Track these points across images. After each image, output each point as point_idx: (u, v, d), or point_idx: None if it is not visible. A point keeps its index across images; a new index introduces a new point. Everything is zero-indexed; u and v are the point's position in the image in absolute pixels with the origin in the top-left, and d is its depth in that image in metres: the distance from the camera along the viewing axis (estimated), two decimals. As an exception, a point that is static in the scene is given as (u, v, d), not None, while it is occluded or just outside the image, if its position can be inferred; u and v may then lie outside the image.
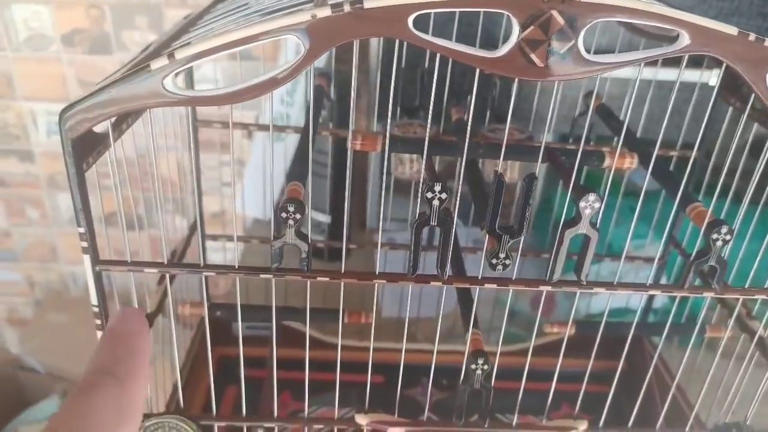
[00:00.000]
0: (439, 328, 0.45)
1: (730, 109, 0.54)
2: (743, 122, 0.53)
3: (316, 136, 0.73)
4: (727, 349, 0.53)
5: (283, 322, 0.61)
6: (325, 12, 0.31)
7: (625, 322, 0.45)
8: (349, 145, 0.40)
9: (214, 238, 0.65)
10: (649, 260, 0.69)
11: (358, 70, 0.37)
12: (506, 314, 0.42)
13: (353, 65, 0.36)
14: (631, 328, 0.46)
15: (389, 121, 0.36)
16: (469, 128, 0.37)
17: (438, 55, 0.33)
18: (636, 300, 0.84)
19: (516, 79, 0.33)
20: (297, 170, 0.40)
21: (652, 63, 0.37)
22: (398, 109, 0.60)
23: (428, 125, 0.36)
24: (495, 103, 0.61)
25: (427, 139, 0.37)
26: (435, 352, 0.46)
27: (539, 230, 0.96)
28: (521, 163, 0.55)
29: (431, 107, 0.35)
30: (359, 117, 0.91)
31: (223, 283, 1.13)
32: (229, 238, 0.64)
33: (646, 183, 0.43)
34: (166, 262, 0.38)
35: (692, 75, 0.69)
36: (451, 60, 0.32)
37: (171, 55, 0.32)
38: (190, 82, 0.57)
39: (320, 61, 0.90)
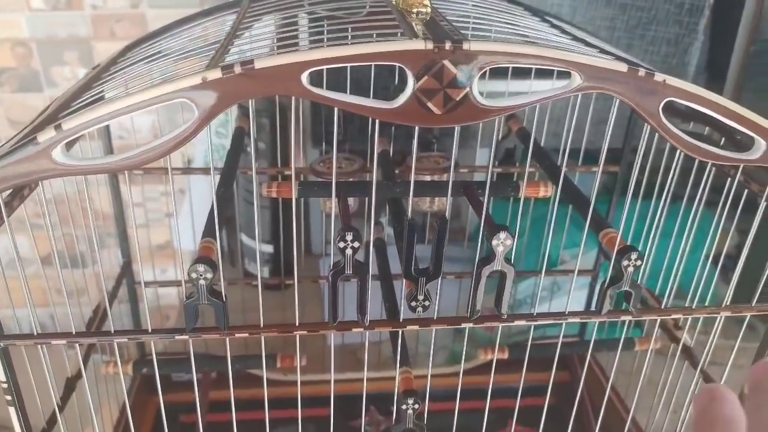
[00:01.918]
0: (366, 362, 0.44)
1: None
2: (657, 137, 0.54)
3: (246, 174, 0.72)
4: (663, 353, 0.54)
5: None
6: (215, 74, 0.30)
7: (556, 340, 0.46)
8: (258, 192, 0.39)
9: (145, 284, 0.63)
10: (584, 272, 0.70)
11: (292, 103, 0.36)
12: (431, 352, 0.42)
13: (290, 116, 0.36)
14: (564, 348, 0.47)
15: (293, 173, 0.35)
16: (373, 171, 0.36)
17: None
18: (575, 304, 0.86)
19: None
20: (211, 225, 0.39)
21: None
22: (323, 143, 0.60)
23: (334, 174, 0.36)
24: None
25: (334, 187, 0.36)
26: (365, 382, 0.45)
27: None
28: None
29: (335, 159, 0.35)
30: (297, 150, 0.90)
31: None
32: (161, 284, 0.62)
33: (554, 204, 0.43)
34: (74, 333, 0.37)
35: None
36: (371, 93, 0.32)
37: (58, 127, 0.31)
38: (107, 138, 0.56)
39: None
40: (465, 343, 0.43)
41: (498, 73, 0.43)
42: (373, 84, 0.58)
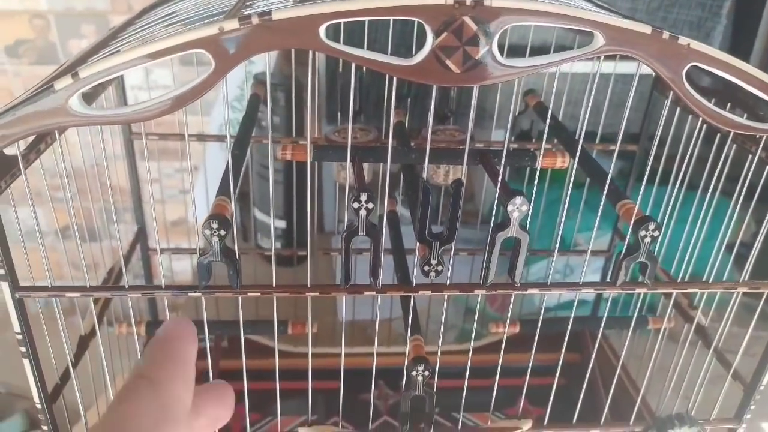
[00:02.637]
0: (377, 334, 0.44)
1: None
2: (677, 115, 0.54)
3: (262, 143, 0.72)
4: (676, 338, 0.54)
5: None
6: (232, 25, 0.30)
7: (569, 317, 0.45)
8: (271, 155, 0.39)
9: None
10: (598, 253, 0.70)
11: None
12: (443, 322, 0.42)
13: (308, 77, 0.35)
14: (576, 323, 0.46)
15: (308, 132, 0.35)
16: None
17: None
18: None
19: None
20: (226, 184, 0.39)
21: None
22: (338, 113, 0.59)
23: (349, 134, 0.36)
24: (436, 103, 0.60)
25: (349, 147, 0.36)
26: (375, 356, 0.45)
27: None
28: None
29: (350, 118, 0.35)
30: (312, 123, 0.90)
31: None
32: (174, 251, 0.62)
33: (571, 177, 0.43)
34: (88, 286, 0.37)
35: (631, 67, 0.70)
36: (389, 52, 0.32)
37: (75, 75, 0.30)
38: (122, 94, 0.56)
39: (260, 66, 0.88)
40: (477, 313, 0.43)
41: (516, 52, 0.42)
42: (391, 46, 0.57)
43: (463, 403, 0.48)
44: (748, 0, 0.93)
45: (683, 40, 0.33)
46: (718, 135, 0.49)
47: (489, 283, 0.39)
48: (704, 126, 0.50)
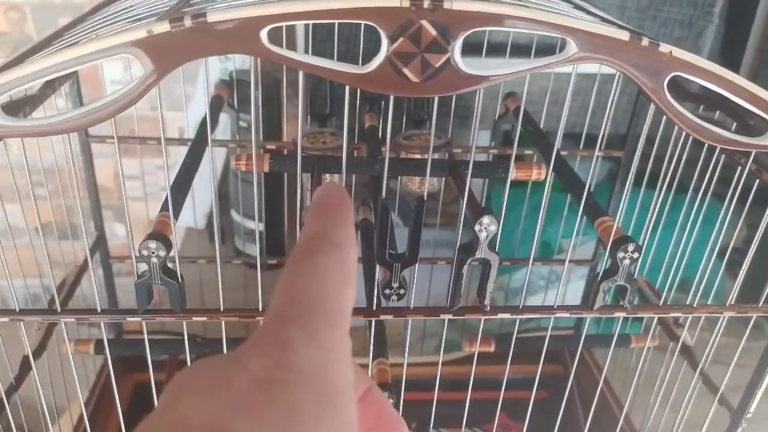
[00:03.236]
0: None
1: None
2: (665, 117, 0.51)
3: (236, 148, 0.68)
4: (662, 350, 0.51)
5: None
6: (163, 27, 0.27)
7: (546, 335, 0.43)
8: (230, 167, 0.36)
9: (120, 259, 0.60)
10: (582, 262, 0.67)
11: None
12: (406, 344, 0.39)
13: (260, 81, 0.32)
14: (556, 342, 0.43)
15: (254, 145, 0.32)
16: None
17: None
18: (572, 295, 0.83)
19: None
20: (173, 198, 0.36)
21: (551, 52, 0.33)
22: (308, 117, 0.56)
23: (299, 147, 0.33)
24: (411, 107, 0.57)
25: (300, 161, 0.33)
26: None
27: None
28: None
29: (299, 127, 0.32)
30: (295, 126, 0.87)
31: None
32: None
33: (547, 188, 0.40)
34: (17, 309, 0.34)
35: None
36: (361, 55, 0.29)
37: (-10, 81, 0.27)
38: (77, 97, 0.53)
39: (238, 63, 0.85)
40: (443, 335, 0.40)
41: (471, 50, 0.40)
42: (363, 48, 0.54)
43: (432, 417, 0.45)
44: (741, -1, 0.90)
45: (664, 48, 0.30)
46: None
47: (456, 306, 0.36)
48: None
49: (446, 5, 0.27)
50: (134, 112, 0.33)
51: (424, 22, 0.27)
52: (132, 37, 0.27)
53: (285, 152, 0.58)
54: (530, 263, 0.40)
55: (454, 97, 0.62)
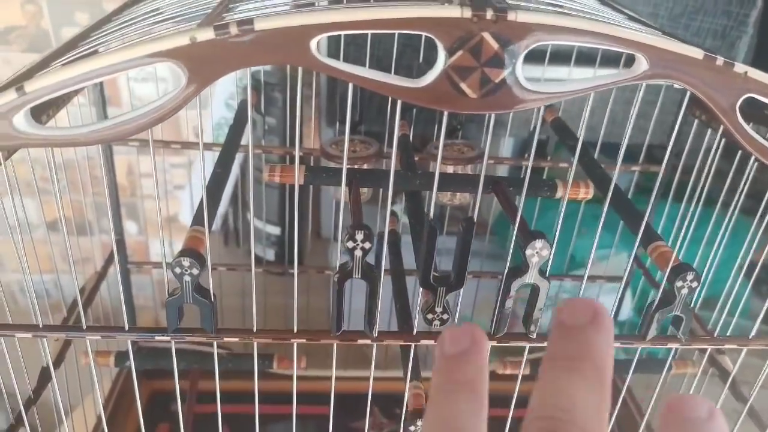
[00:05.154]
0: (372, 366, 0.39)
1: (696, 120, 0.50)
2: (710, 138, 0.49)
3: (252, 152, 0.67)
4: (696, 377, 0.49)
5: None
6: (207, 35, 0.25)
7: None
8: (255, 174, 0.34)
9: (138, 265, 0.58)
10: (613, 279, 0.65)
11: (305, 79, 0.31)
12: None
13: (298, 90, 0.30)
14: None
15: (296, 163, 0.30)
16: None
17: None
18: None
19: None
20: (203, 212, 0.34)
21: (611, 62, 0.31)
22: (337, 123, 0.55)
23: (345, 162, 0.31)
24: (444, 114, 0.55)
25: (345, 171, 0.31)
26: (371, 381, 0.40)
27: (501, 235, 0.92)
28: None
29: (347, 143, 0.30)
30: (310, 128, 0.85)
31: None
32: (155, 265, 0.58)
33: (606, 207, 0.38)
34: (41, 326, 0.32)
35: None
36: (393, 71, 0.27)
37: (20, 89, 0.26)
38: (101, 106, 0.51)
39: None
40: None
41: (532, 57, 0.38)
42: (395, 63, 0.52)
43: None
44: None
45: (739, 68, 0.28)
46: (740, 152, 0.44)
47: (501, 333, 0.34)
48: (723, 140, 0.45)
49: (510, 17, 0.25)
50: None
51: (486, 35, 0.25)
52: (172, 45, 0.25)
53: (312, 159, 0.56)
54: (585, 276, 0.38)
55: (489, 129, 0.60)
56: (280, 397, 0.46)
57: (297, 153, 0.31)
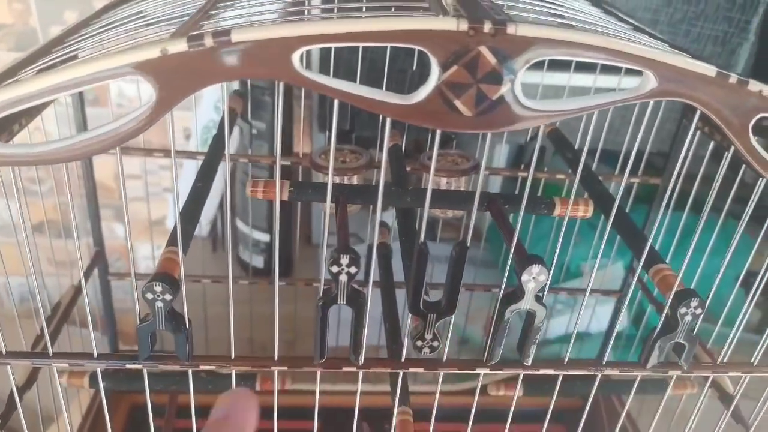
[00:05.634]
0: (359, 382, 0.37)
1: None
2: (712, 148, 0.47)
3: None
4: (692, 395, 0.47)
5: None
6: (179, 46, 0.23)
7: (580, 382, 0.39)
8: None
9: (118, 276, 0.56)
10: (609, 293, 0.63)
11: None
12: (437, 394, 0.35)
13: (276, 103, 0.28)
14: (587, 388, 0.40)
15: (278, 181, 0.28)
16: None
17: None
18: (596, 325, 0.79)
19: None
20: (183, 228, 0.32)
21: (611, 69, 0.29)
22: (326, 132, 0.53)
23: (330, 180, 0.29)
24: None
25: (330, 188, 0.29)
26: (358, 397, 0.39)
27: (495, 243, 0.90)
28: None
29: (331, 161, 0.28)
30: (299, 136, 0.83)
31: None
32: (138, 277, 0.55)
33: (608, 222, 0.36)
34: (4, 352, 0.30)
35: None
36: (386, 77, 0.25)
37: (-24, 102, 0.23)
38: (80, 111, 0.49)
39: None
40: (479, 387, 0.36)
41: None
42: (388, 67, 0.50)
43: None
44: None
45: (753, 86, 0.26)
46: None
47: (494, 360, 0.32)
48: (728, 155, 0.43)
49: (510, 30, 0.23)
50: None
51: (483, 49, 0.23)
52: (141, 57, 0.23)
53: (300, 169, 0.54)
54: (586, 292, 0.36)
55: (486, 148, 0.58)
56: (264, 411, 0.44)
57: (277, 172, 0.29)
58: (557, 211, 0.36)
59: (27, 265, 0.33)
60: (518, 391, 0.44)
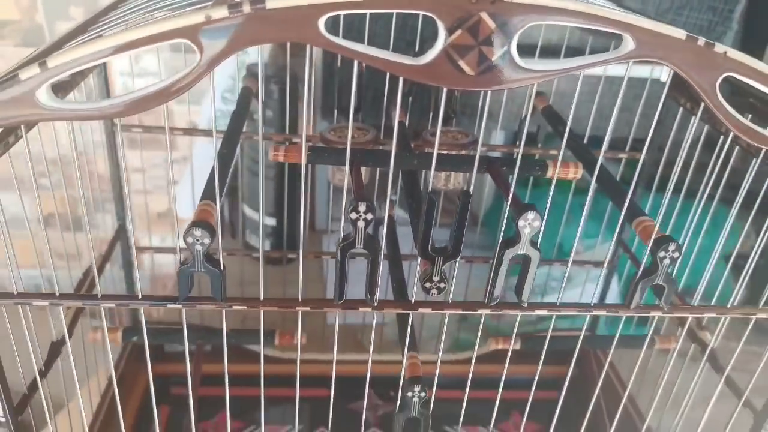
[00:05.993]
0: (371, 348, 0.41)
1: (681, 108, 0.52)
2: (694, 124, 0.51)
3: (251, 139, 0.69)
4: (680, 354, 0.51)
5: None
6: (221, 13, 0.27)
7: (572, 336, 0.43)
8: (260, 155, 0.36)
9: (142, 250, 0.60)
10: (599, 264, 0.67)
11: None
12: (443, 339, 0.39)
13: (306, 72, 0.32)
14: (577, 341, 0.43)
15: (303, 133, 0.32)
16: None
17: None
18: (589, 297, 0.83)
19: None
20: (212, 187, 0.35)
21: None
22: (335, 110, 0.56)
23: (349, 135, 0.32)
24: (441, 104, 0.57)
25: (348, 150, 0.33)
26: (369, 364, 0.42)
27: (491, 227, 0.94)
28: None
29: (351, 119, 0.32)
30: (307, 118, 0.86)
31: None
32: (156, 250, 0.59)
33: (592, 188, 0.40)
34: (57, 294, 0.34)
35: (643, 70, 0.67)
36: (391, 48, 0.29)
37: (43, 64, 0.27)
38: (104, 82, 0.52)
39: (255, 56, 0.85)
40: (480, 331, 0.40)
41: (523, 51, 0.40)
42: (392, 45, 0.54)
43: (462, 416, 0.45)
44: (760, 4, 0.90)
45: (719, 48, 0.30)
46: (720, 140, 0.46)
47: (495, 302, 0.36)
48: (705, 131, 0.47)
49: (506, -2, 0.27)
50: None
51: (484, 14, 0.27)
52: (188, 22, 0.27)
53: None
54: (570, 262, 0.40)
55: (483, 102, 0.62)
56: (278, 379, 0.47)
57: (304, 128, 0.32)
58: (550, 172, 0.40)
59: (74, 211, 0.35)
60: (514, 344, 0.48)
